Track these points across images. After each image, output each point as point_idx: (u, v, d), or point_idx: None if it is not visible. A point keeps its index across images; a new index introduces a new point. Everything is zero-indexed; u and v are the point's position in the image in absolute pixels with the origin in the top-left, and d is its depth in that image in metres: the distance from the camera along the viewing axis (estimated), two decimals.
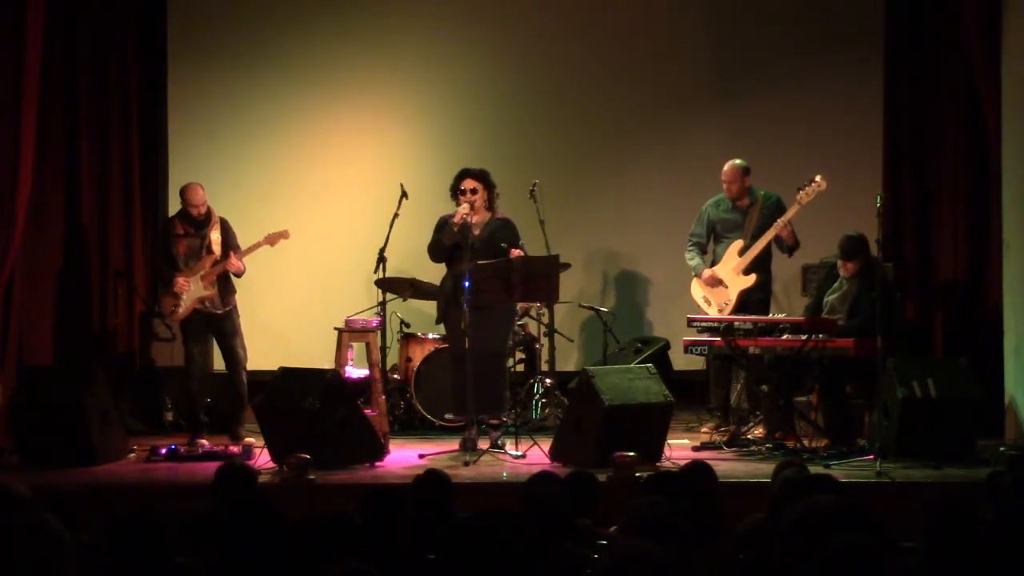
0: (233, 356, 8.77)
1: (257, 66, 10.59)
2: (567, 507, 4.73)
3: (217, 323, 8.76)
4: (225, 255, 8.69)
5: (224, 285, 8.76)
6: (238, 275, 8.76)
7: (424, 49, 10.61)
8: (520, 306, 9.01)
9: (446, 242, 8.33)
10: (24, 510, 4.30)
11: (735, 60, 10.63)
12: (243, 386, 8.75)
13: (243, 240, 8.85)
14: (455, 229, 8.25)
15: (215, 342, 8.95)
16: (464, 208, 8.25)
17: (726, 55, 10.64)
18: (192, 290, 8.66)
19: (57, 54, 9.73)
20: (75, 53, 9.97)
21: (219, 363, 9.09)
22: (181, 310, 8.68)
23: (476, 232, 8.37)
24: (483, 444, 8.19)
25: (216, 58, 10.60)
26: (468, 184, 8.36)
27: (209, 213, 8.78)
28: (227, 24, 10.63)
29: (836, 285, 8.51)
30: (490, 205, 8.42)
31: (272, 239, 8.75)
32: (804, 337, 8.08)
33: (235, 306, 8.84)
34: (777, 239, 8.84)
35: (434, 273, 9.27)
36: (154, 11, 10.48)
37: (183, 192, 8.79)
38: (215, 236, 8.73)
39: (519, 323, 9.36)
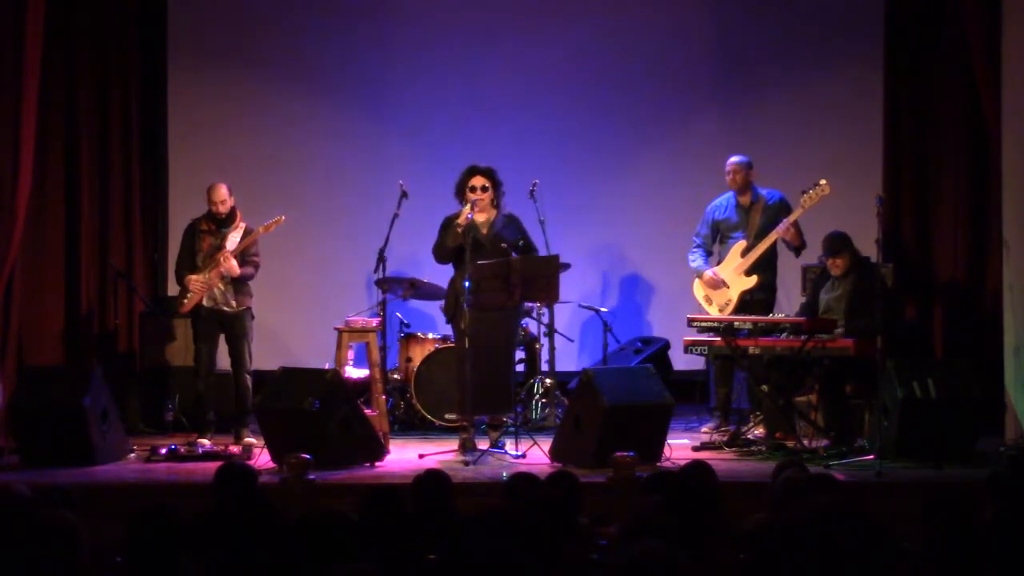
0: (237, 359, 8.72)
1: (257, 66, 10.59)
2: (550, 505, 4.72)
3: (227, 322, 8.72)
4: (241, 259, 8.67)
5: (237, 285, 8.70)
6: (231, 276, 8.66)
7: (423, 48, 10.61)
8: None
9: (450, 244, 8.30)
10: (41, 505, 4.33)
11: (735, 60, 10.63)
12: (247, 390, 8.70)
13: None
14: (459, 230, 8.22)
15: (224, 342, 8.87)
16: (467, 209, 8.23)
17: (726, 55, 10.65)
18: (202, 283, 8.63)
19: (57, 54, 9.73)
20: (75, 53, 9.97)
21: (224, 362, 9.05)
22: (186, 301, 8.67)
23: (484, 231, 8.36)
24: (483, 444, 8.19)
25: (216, 58, 10.61)
26: (477, 181, 8.33)
27: (233, 214, 8.74)
28: (227, 24, 10.64)
29: (829, 285, 8.53)
30: (496, 203, 8.41)
31: (267, 227, 8.71)
32: (804, 338, 8.08)
33: (249, 309, 8.77)
34: (783, 239, 8.85)
35: (435, 273, 9.27)
36: (154, 11, 10.48)
37: (207, 191, 8.77)
38: (234, 237, 8.69)
39: None
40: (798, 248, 8.95)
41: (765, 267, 8.95)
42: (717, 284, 8.93)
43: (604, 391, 7.74)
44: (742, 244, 8.93)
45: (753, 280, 8.88)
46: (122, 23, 10.23)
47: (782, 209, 8.92)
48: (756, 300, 8.90)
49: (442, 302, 8.92)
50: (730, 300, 8.90)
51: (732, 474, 7.38)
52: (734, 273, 8.92)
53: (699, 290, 9.05)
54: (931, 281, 10.05)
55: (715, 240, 9.14)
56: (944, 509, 4.15)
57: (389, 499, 4.52)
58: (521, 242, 8.33)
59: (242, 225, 8.75)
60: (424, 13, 10.65)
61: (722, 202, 9.10)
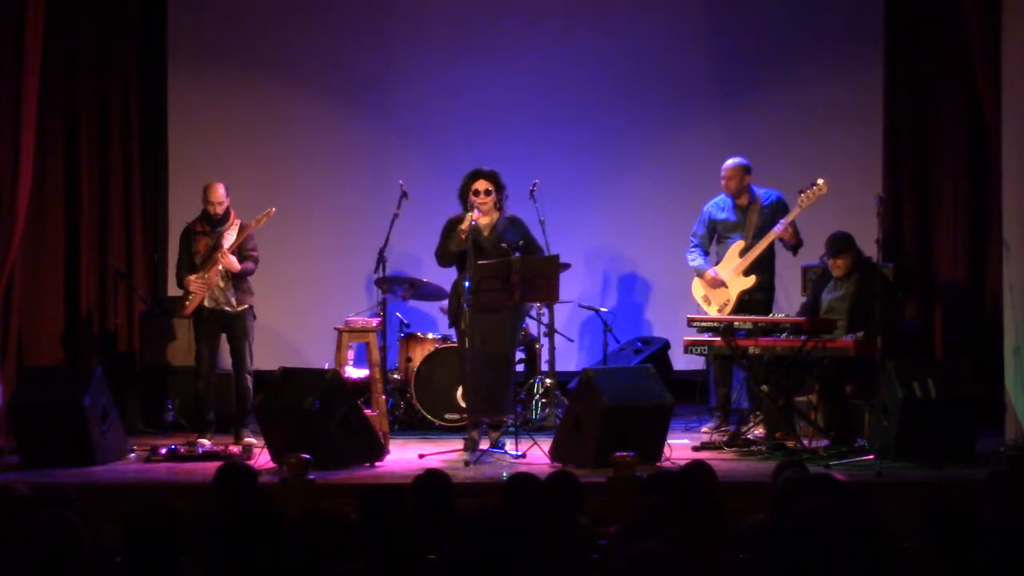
0: (238, 358, 8.73)
1: (257, 66, 10.60)
2: (550, 506, 4.72)
3: (228, 322, 8.73)
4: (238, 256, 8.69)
5: (238, 284, 8.72)
6: (232, 271, 8.66)
7: (424, 48, 10.61)
8: None
9: (453, 248, 8.29)
10: (40, 505, 4.33)
11: (735, 60, 10.64)
12: (247, 391, 8.71)
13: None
14: (463, 236, 8.21)
15: (226, 342, 8.87)
16: (473, 214, 8.21)
17: (727, 55, 10.65)
18: (201, 283, 8.63)
19: (57, 54, 9.74)
20: (75, 53, 9.97)
21: (225, 362, 9.05)
22: (188, 303, 8.68)
23: (485, 234, 8.35)
24: (483, 444, 8.20)
25: (216, 58, 10.61)
26: (481, 185, 8.32)
27: (228, 213, 8.75)
28: (227, 24, 10.64)
29: (831, 285, 8.52)
30: (499, 205, 8.41)
31: (258, 220, 8.70)
32: (804, 338, 8.08)
33: (251, 308, 8.77)
34: (780, 239, 8.85)
35: (434, 273, 9.28)
36: (154, 11, 10.48)
37: (204, 190, 8.78)
38: (230, 236, 8.70)
39: None
40: (795, 247, 8.95)
41: (763, 267, 8.94)
42: (716, 284, 8.93)
43: (604, 391, 7.74)
44: (740, 244, 8.92)
45: (751, 280, 8.88)
46: (122, 22, 10.24)
47: (779, 209, 8.92)
48: (755, 300, 8.89)
49: (444, 303, 8.92)
50: (729, 300, 8.90)
51: (732, 474, 7.38)
52: (732, 273, 8.92)
53: (698, 290, 9.05)
54: (931, 281, 10.05)
55: (712, 240, 9.13)
56: (944, 509, 4.14)
57: (389, 499, 4.52)
58: (522, 243, 8.33)
59: (237, 222, 8.76)
60: (424, 13, 10.65)
61: (720, 202, 9.09)
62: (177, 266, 8.89)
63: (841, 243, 8.41)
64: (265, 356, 9.30)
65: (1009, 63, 8.60)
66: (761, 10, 10.62)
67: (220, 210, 8.71)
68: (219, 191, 8.72)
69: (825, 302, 8.50)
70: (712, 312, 8.84)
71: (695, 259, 9.07)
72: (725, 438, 8.51)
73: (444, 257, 8.41)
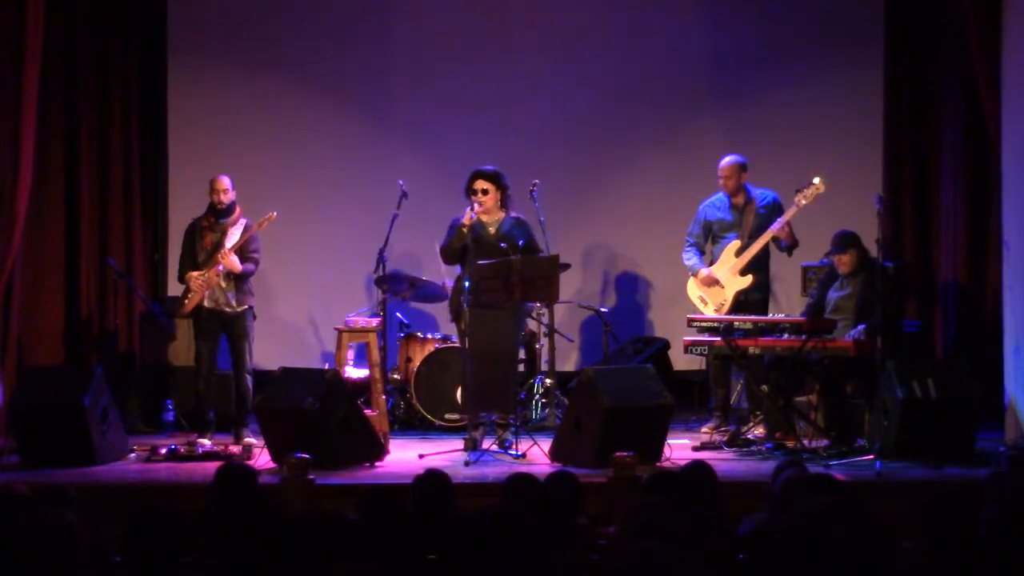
0: (238, 358, 8.72)
1: (257, 65, 10.60)
2: (550, 506, 4.73)
3: (228, 322, 8.73)
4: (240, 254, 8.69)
5: (238, 285, 8.72)
6: (234, 272, 8.66)
7: (424, 48, 10.62)
8: None
9: (455, 245, 8.33)
10: (40, 505, 4.34)
11: (735, 60, 10.64)
12: (247, 390, 8.70)
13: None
14: (464, 231, 8.23)
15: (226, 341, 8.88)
16: (471, 211, 8.23)
17: (726, 55, 10.66)
18: (202, 282, 8.63)
19: (57, 54, 9.74)
20: (75, 53, 9.97)
21: (225, 362, 9.05)
22: (187, 302, 8.68)
23: (491, 231, 8.37)
24: (487, 444, 8.20)
25: (216, 58, 10.61)
26: (480, 184, 8.35)
27: (233, 207, 8.75)
28: (227, 24, 10.64)
29: (838, 284, 8.52)
30: (503, 204, 8.42)
31: (260, 224, 8.71)
32: (804, 338, 8.08)
33: (251, 308, 8.77)
34: (775, 238, 8.85)
35: (434, 273, 9.28)
36: (154, 11, 10.48)
37: (210, 181, 8.76)
38: (233, 235, 8.69)
39: None
40: (791, 247, 8.94)
41: (759, 267, 8.94)
42: (711, 283, 8.93)
43: (604, 391, 7.74)
44: (736, 244, 8.92)
45: (748, 280, 8.87)
46: (122, 22, 10.24)
47: (776, 210, 8.91)
48: (752, 300, 8.89)
49: (446, 303, 8.92)
50: (725, 300, 8.89)
51: (732, 474, 7.38)
52: (729, 273, 8.91)
53: (693, 289, 9.04)
54: (931, 281, 10.04)
55: (707, 240, 9.13)
56: (944, 509, 4.15)
57: (389, 499, 4.52)
58: (522, 243, 8.34)
59: (242, 221, 8.76)
60: (425, 13, 10.65)
61: (716, 202, 9.08)
62: (180, 262, 8.88)
63: (846, 240, 8.40)
64: (265, 356, 9.30)
65: (1009, 65, 8.60)
66: (761, 11, 10.62)
67: (225, 199, 8.69)
68: (224, 180, 8.73)
69: (832, 301, 8.50)
70: (708, 312, 8.84)
71: (690, 259, 9.07)
72: (725, 438, 8.51)
73: (448, 254, 8.45)
